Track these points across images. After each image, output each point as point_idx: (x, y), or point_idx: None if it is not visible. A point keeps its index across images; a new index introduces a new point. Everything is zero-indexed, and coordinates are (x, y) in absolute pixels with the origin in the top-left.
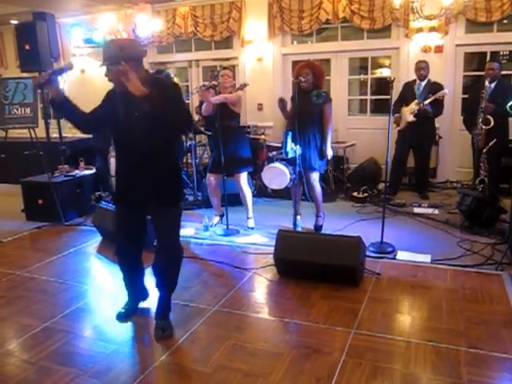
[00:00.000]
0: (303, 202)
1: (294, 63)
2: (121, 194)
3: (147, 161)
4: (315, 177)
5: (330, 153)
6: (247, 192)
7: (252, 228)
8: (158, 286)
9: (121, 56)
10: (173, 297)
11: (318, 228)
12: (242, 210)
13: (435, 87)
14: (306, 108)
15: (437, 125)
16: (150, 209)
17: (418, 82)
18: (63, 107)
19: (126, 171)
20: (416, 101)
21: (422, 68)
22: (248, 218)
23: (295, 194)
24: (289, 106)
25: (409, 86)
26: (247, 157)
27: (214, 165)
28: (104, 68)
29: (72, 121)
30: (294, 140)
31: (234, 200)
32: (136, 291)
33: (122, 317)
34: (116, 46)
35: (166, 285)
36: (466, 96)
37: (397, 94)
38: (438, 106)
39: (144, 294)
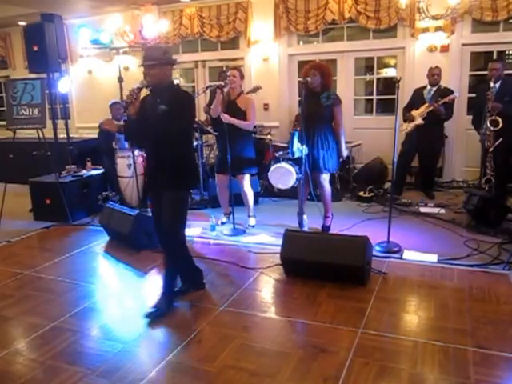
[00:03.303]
0: (309, 201)
1: (300, 63)
2: (148, 182)
3: (160, 150)
4: (325, 177)
5: (344, 153)
6: (249, 193)
7: (253, 226)
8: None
9: (164, 59)
10: (180, 297)
11: (325, 229)
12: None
13: (445, 92)
14: (315, 109)
15: (444, 124)
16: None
17: (428, 87)
18: (133, 122)
19: (151, 162)
20: (426, 104)
21: (436, 74)
22: (249, 217)
23: (301, 194)
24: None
25: (418, 92)
26: (251, 158)
27: (220, 164)
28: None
29: (134, 134)
30: (300, 140)
31: (240, 200)
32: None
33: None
34: (161, 50)
35: (167, 263)
36: (473, 95)
37: (403, 94)
38: (447, 109)
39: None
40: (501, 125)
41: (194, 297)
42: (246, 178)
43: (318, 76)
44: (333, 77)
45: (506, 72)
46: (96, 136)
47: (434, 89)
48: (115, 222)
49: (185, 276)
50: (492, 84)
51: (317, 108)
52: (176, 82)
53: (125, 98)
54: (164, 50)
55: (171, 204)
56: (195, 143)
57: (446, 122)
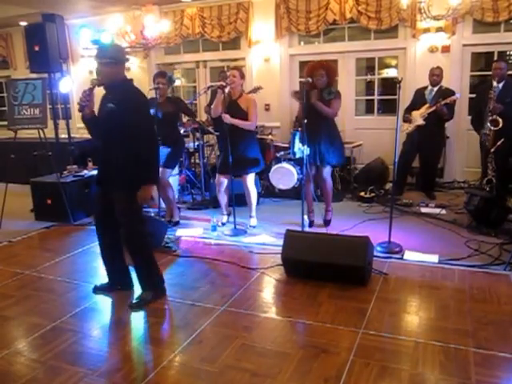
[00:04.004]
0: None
1: (302, 64)
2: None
3: (108, 149)
4: (327, 171)
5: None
6: (253, 193)
7: (254, 226)
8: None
9: (118, 57)
10: (181, 296)
11: (326, 222)
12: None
13: (446, 93)
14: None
15: (445, 125)
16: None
17: (429, 87)
18: (91, 121)
19: (100, 158)
20: (427, 105)
21: (436, 74)
22: (250, 217)
23: (302, 194)
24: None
25: (420, 92)
26: (256, 157)
27: (222, 165)
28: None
29: (93, 132)
30: (301, 140)
31: (241, 200)
32: (114, 272)
33: (94, 290)
34: (115, 48)
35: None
36: (474, 96)
37: (404, 95)
38: (449, 110)
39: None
40: (501, 124)
41: (194, 297)
42: (250, 177)
43: (325, 77)
44: (337, 74)
45: (508, 72)
46: None
47: (435, 89)
48: None
49: (115, 274)
50: (495, 83)
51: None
52: (177, 80)
53: (78, 100)
54: (118, 49)
55: (125, 205)
56: (196, 143)
57: (447, 122)
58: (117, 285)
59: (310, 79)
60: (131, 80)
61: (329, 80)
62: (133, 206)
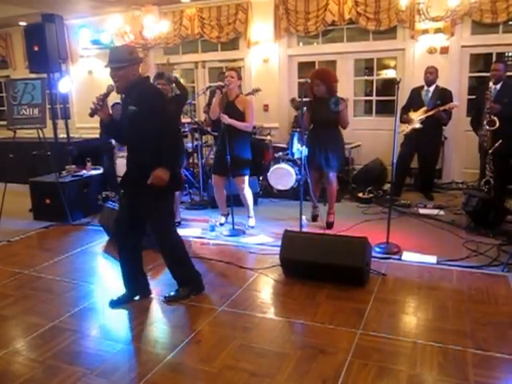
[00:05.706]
0: (306, 202)
1: (300, 64)
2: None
3: (136, 151)
4: (334, 175)
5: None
6: (248, 194)
7: (252, 227)
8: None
9: (131, 59)
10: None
11: (329, 224)
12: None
13: (443, 93)
14: (325, 115)
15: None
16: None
17: (425, 87)
18: (109, 126)
19: (128, 162)
20: (424, 108)
21: (429, 72)
22: (249, 217)
23: (310, 191)
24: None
25: (416, 92)
26: (249, 159)
27: (218, 166)
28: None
29: (113, 135)
30: (300, 141)
31: (239, 201)
32: (135, 282)
33: (113, 304)
34: (126, 50)
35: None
36: (472, 97)
37: (403, 96)
38: (447, 115)
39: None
40: (497, 124)
41: (193, 297)
42: (245, 180)
43: (321, 85)
44: (336, 79)
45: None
46: (97, 136)
47: (432, 89)
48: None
49: (136, 284)
50: (491, 84)
51: (326, 114)
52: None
53: (91, 105)
54: (129, 50)
55: (155, 207)
56: (195, 143)
57: (445, 126)
58: (136, 295)
59: (309, 80)
60: (147, 78)
61: (327, 87)
62: (165, 206)
